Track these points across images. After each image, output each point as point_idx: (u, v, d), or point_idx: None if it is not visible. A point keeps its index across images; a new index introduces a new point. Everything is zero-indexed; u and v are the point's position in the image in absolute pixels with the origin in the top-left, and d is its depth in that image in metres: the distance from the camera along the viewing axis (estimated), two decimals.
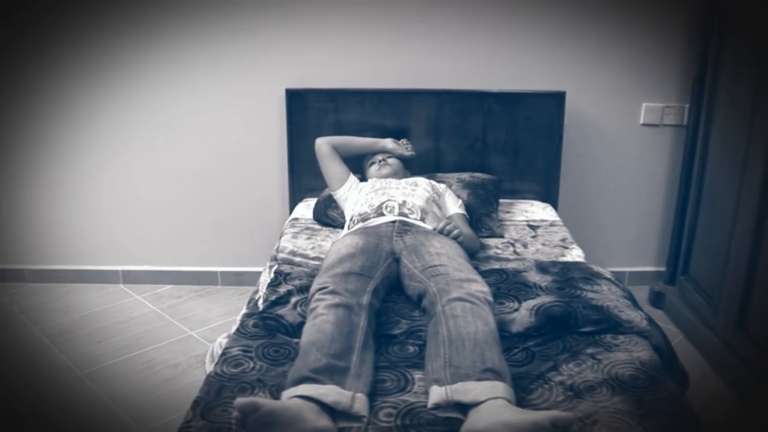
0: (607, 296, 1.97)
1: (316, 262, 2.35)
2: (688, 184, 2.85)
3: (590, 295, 1.97)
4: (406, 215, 2.30)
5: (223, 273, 3.27)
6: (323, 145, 2.74)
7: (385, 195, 2.41)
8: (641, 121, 3.03)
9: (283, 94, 2.98)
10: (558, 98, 2.93)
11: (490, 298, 1.81)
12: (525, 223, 2.76)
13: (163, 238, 3.22)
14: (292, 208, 3.08)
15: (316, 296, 1.80)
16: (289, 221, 2.80)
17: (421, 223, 2.27)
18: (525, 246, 2.52)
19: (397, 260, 2.08)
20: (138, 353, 2.65)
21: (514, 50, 2.96)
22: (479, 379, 1.52)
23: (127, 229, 3.21)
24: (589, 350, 1.76)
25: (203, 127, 3.07)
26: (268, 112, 3.05)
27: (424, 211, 2.36)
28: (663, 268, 3.11)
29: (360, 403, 1.49)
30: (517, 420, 1.37)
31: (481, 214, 2.68)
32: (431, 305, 1.80)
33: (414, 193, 2.45)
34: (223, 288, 3.26)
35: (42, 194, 3.16)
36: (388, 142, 2.81)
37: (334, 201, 2.72)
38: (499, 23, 2.92)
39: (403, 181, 2.58)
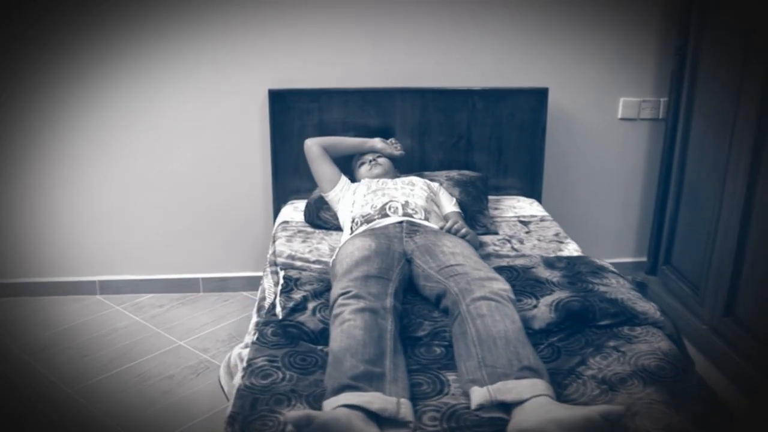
0: (618, 289, 2.01)
1: (318, 266, 2.32)
2: (668, 176, 2.94)
3: (602, 288, 2.00)
4: (410, 215, 2.29)
5: (204, 279, 3.18)
6: (313, 146, 2.70)
7: (386, 196, 2.39)
8: (619, 116, 3.10)
9: (265, 94, 2.92)
10: (541, 94, 2.97)
11: (512, 296, 1.82)
12: (515, 219, 2.79)
13: (141, 246, 3.11)
14: (276, 211, 3.03)
15: (340, 301, 1.77)
16: (279, 225, 2.74)
17: (427, 223, 2.27)
18: (521, 242, 2.55)
19: (409, 261, 2.07)
20: (128, 366, 2.56)
21: (496, 48, 2.98)
22: (518, 378, 1.53)
23: (103, 237, 3.08)
24: (611, 343, 1.79)
25: (182, 129, 2.98)
26: (249, 114, 2.98)
27: (426, 211, 2.35)
28: (643, 259, 3.20)
29: (406, 409, 1.47)
30: (568, 416, 1.38)
31: (475, 212, 2.70)
32: (454, 305, 1.80)
33: (413, 192, 2.44)
34: (206, 295, 3.17)
35: (9, 202, 3.00)
36: (377, 142, 2.79)
37: (326, 203, 2.69)
38: (481, 21, 2.93)
39: (399, 180, 2.57)
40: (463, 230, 2.23)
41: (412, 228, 2.19)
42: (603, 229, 3.27)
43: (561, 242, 2.54)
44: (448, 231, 2.22)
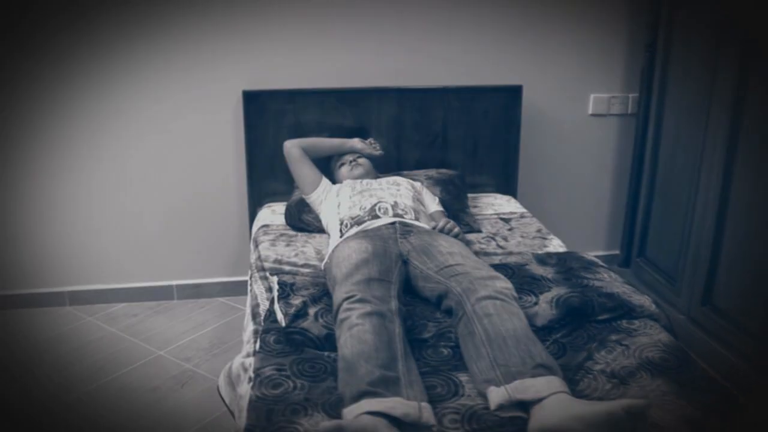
0: (612, 283, 2.04)
1: (308, 270, 2.28)
2: (641, 169, 3.01)
3: (597, 283, 2.03)
4: (401, 216, 2.27)
5: (178, 286, 3.09)
6: (293, 148, 2.66)
7: (374, 196, 2.37)
8: (590, 112, 3.16)
9: (239, 96, 2.86)
10: (515, 92, 2.99)
11: (515, 294, 1.83)
12: (496, 216, 2.81)
13: (112, 254, 3.01)
14: (252, 215, 2.97)
15: (345, 306, 1.74)
16: (260, 228, 2.69)
17: (419, 223, 2.26)
18: (506, 239, 2.56)
19: (405, 262, 2.05)
20: (108, 380, 2.46)
21: (470, 47, 2.99)
22: (533, 376, 1.53)
23: (71, 245, 2.96)
24: (613, 337, 1.81)
25: (154, 133, 2.89)
26: (223, 116, 2.91)
27: (416, 211, 2.34)
28: (615, 252, 3.27)
29: (427, 413, 1.46)
30: (590, 412, 1.39)
31: (457, 210, 2.70)
32: (458, 305, 1.79)
33: (399, 193, 2.43)
34: (181, 302, 3.08)
35: None
36: (357, 142, 2.76)
37: (307, 205, 2.65)
38: (456, 21, 2.94)
39: (383, 181, 2.55)
40: (456, 230, 2.23)
41: (406, 229, 2.18)
42: (575, 224, 3.32)
43: (545, 238, 2.57)
44: (441, 231, 2.22)
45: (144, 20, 2.73)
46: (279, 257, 2.38)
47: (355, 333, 1.65)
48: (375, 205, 2.32)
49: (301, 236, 2.60)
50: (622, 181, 3.23)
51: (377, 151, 2.76)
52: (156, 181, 2.95)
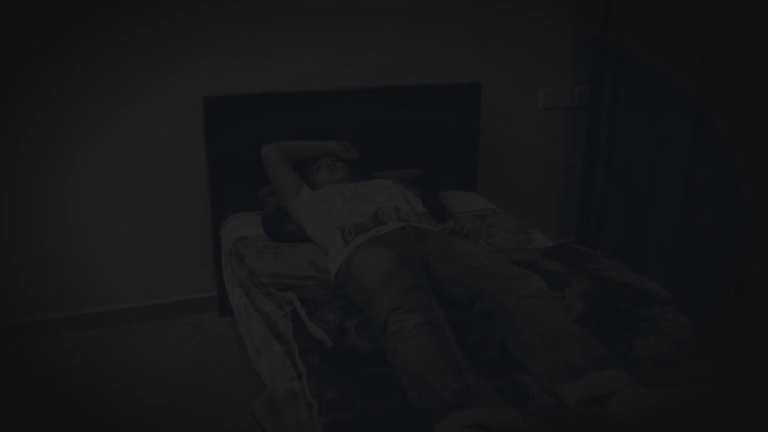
0: (622, 272, 2.11)
1: (311, 282, 2.18)
2: (595, 158, 3.15)
3: (608, 273, 2.10)
4: (406, 220, 2.23)
5: (137, 309, 2.87)
6: (273, 152, 2.54)
7: (371, 202, 2.31)
8: (540, 106, 3.27)
9: (199, 102, 2.69)
10: (474, 89, 3.03)
11: (549, 290, 1.85)
12: (470, 213, 2.83)
13: (60, 278, 2.73)
14: (216, 227, 2.81)
15: (394, 317, 1.68)
16: (239, 241, 2.55)
17: (428, 226, 2.22)
18: (491, 236, 2.59)
19: (425, 267, 2.02)
20: (91, 421, 2.23)
21: (427, 46, 2.99)
22: (600, 370, 1.55)
23: (8, 271, 2.66)
24: (641, 324, 1.88)
25: (105, 145, 2.66)
26: (181, 123, 2.73)
27: (417, 214, 2.31)
28: (570, 240, 3.40)
29: (517, 418, 1.45)
30: (669, 400, 1.43)
31: (436, 210, 2.70)
32: (498, 306, 1.79)
33: (393, 196, 2.39)
34: (141, 326, 2.85)
35: None
36: (335, 145, 2.69)
37: (287, 214, 2.54)
38: (414, 22, 2.94)
39: (371, 184, 2.49)
40: (465, 230, 2.22)
41: (418, 233, 2.14)
42: (526, 215, 3.39)
43: (527, 233, 2.62)
44: (451, 232, 2.21)
45: (92, 26, 2.50)
46: (274, 271, 2.26)
47: (416, 344, 1.60)
48: (377, 210, 2.25)
49: (285, 247, 2.49)
50: (576, 172, 3.35)
51: (354, 155, 2.70)
52: (107, 198, 2.72)
